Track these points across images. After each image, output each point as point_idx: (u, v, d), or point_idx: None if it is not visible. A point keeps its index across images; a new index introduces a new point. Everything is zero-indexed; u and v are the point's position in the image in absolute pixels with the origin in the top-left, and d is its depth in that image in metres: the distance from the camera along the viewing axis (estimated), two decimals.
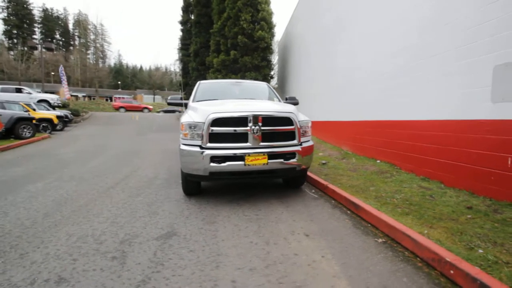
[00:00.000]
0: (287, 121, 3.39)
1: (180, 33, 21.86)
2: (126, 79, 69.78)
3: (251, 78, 14.55)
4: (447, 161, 3.77)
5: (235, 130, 3.20)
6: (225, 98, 4.38)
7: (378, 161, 5.49)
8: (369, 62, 5.99)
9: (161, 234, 2.57)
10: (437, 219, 2.71)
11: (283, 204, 3.47)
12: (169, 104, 4.72)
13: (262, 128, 3.22)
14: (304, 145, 3.52)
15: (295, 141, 3.44)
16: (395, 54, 5.06)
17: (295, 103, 4.54)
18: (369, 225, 2.81)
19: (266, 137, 3.27)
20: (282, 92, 15.86)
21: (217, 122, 3.16)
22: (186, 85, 21.52)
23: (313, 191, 4.07)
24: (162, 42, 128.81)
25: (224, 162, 3.15)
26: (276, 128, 3.33)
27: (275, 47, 18.29)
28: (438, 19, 3.98)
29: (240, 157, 3.17)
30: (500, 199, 2.98)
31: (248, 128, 3.19)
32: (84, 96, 50.33)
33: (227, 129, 3.19)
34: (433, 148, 4.04)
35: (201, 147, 3.19)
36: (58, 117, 13.52)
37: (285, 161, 3.33)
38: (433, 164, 4.01)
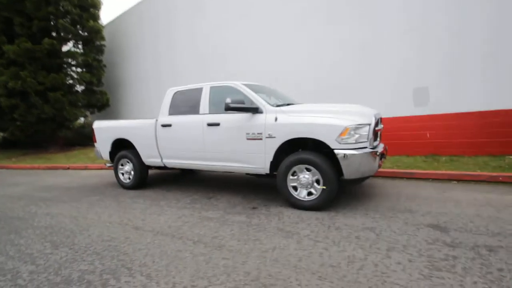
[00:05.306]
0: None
1: None
2: None
3: (84, 82, 10.98)
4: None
5: (379, 130, 3.60)
6: (276, 102, 4.20)
7: None
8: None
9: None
10: (439, 167, 5.02)
11: (378, 190, 4.27)
12: (231, 109, 3.49)
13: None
14: None
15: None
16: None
17: None
18: (430, 180, 4.55)
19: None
20: (115, 99, 13.09)
21: (376, 123, 3.38)
22: None
23: None
24: None
25: (380, 160, 3.47)
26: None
27: None
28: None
29: (384, 154, 3.65)
30: (425, 154, 5.93)
31: (379, 128, 3.71)
32: None
33: (378, 128, 3.51)
34: None
35: (370, 148, 3.25)
36: None
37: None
38: None
